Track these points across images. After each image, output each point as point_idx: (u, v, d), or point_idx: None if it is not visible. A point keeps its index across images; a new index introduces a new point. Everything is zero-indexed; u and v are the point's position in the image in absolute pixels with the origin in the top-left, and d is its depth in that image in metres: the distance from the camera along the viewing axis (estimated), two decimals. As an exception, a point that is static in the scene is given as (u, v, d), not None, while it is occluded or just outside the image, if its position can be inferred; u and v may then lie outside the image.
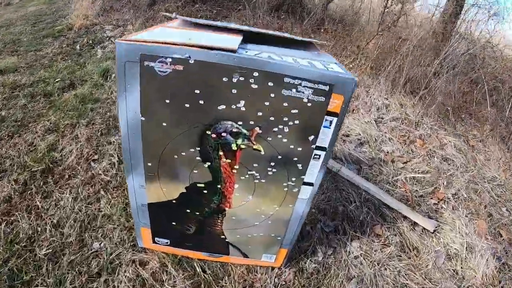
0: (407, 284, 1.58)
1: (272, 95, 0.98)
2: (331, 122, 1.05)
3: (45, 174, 1.85)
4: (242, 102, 1.00)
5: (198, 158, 1.12)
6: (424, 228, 1.88)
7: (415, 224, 1.90)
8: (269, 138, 1.07)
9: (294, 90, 0.98)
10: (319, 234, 1.71)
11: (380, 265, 1.62)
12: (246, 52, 0.98)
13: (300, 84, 0.97)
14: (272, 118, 1.03)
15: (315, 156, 1.12)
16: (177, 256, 1.47)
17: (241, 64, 0.93)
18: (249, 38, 1.16)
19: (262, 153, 1.10)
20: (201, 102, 1.00)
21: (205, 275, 1.43)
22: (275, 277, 1.49)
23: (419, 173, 2.32)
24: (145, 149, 1.11)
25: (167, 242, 1.43)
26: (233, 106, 1.01)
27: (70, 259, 1.41)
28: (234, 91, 0.98)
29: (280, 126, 1.04)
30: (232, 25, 1.22)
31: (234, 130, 1.05)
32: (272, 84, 0.96)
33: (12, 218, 1.57)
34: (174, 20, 1.40)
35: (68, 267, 1.38)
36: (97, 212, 1.66)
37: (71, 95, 2.66)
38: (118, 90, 1.01)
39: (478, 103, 3.38)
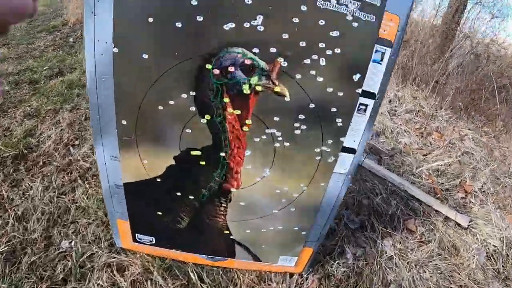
0: (451, 288, 1.37)
1: (304, 7, 0.69)
2: (383, 54, 0.74)
3: (17, 161, 1.66)
4: (260, 18, 0.69)
5: (192, 108, 0.79)
6: (457, 223, 1.72)
7: (446, 219, 1.75)
8: (297, 76, 0.75)
9: (334, 1, 0.67)
10: (345, 232, 1.50)
11: (418, 266, 1.44)
12: None
13: (343, -8, 0.68)
14: (303, 44, 0.72)
15: (360, 107, 0.79)
16: (165, 260, 1.20)
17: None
18: None
19: (287, 99, 0.77)
20: (199, 18, 0.69)
21: (202, 284, 1.16)
22: (296, 286, 1.21)
23: (442, 165, 2.22)
24: (118, 98, 0.79)
25: (151, 241, 1.11)
26: (246, 24, 0.70)
27: (32, 261, 1.18)
28: (248, 1, 0.67)
29: (315, 57, 0.73)
30: None
31: (247, 62, 0.73)
32: (303, -9, 0.68)
33: (-32, 209, 1.34)
34: None
35: (27, 271, 1.15)
36: (70, 204, 1.46)
37: (58, 81, 2.52)
38: (84, 15, 0.73)
39: (487, 101, 3.36)
